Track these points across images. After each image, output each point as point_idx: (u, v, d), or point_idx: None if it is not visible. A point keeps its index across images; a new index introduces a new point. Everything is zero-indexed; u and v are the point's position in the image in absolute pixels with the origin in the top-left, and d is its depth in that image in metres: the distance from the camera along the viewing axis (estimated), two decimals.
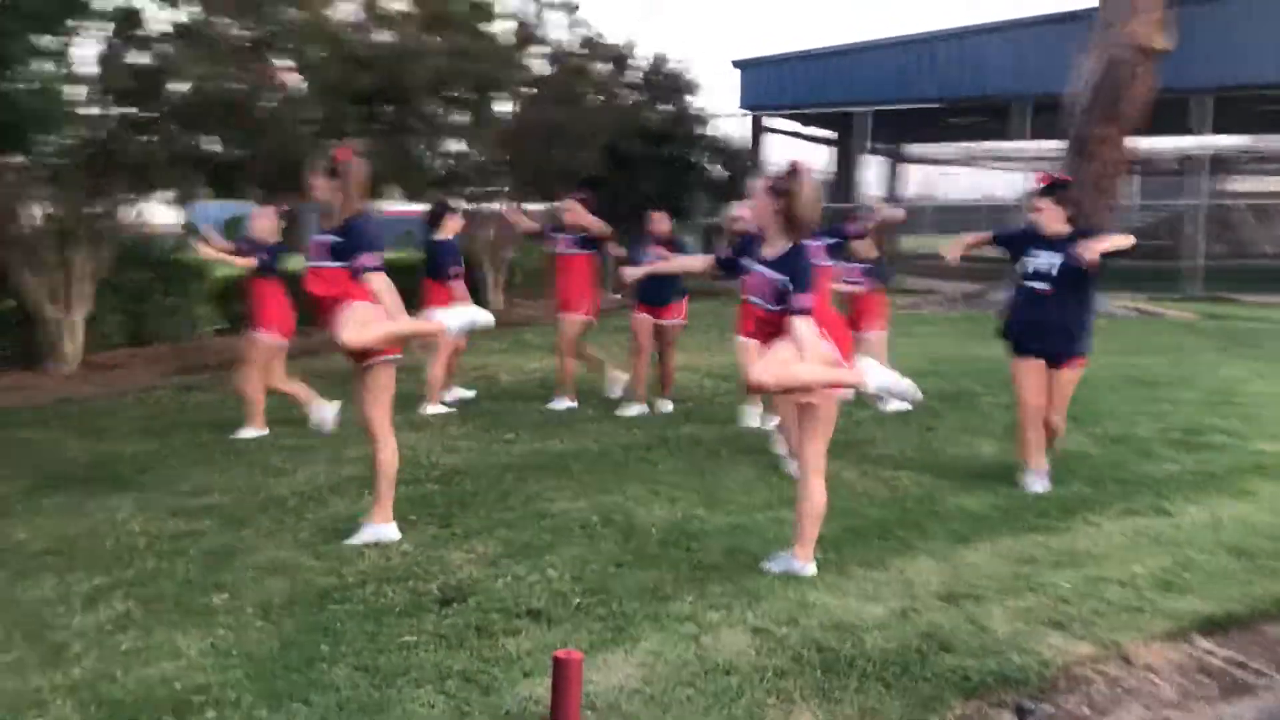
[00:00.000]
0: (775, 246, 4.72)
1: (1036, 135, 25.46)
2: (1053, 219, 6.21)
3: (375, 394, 5.17)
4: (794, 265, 4.62)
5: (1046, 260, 6.15)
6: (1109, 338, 13.93)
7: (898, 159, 34.71)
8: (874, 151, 32.10)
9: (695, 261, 6.13)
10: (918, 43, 24.44)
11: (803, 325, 4.55)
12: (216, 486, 6.34)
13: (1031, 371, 6.31)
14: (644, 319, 8.71)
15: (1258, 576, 4.76)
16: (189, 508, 5.89)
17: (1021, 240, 6.40)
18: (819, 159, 32.13)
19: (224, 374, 10.92)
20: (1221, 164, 31.44)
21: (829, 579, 4.69)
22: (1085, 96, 16.79)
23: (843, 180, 29.26)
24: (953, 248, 6.60)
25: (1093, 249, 5.86)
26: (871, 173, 34.89)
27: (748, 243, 4.98)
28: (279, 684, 3.65)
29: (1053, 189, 6.29)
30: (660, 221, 8.75)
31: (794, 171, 4.68)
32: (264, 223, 7.93)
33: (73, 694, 3.60)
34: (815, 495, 4.77)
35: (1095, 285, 6.19)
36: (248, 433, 7.80)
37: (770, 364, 4.55)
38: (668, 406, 8.75)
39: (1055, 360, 6.25)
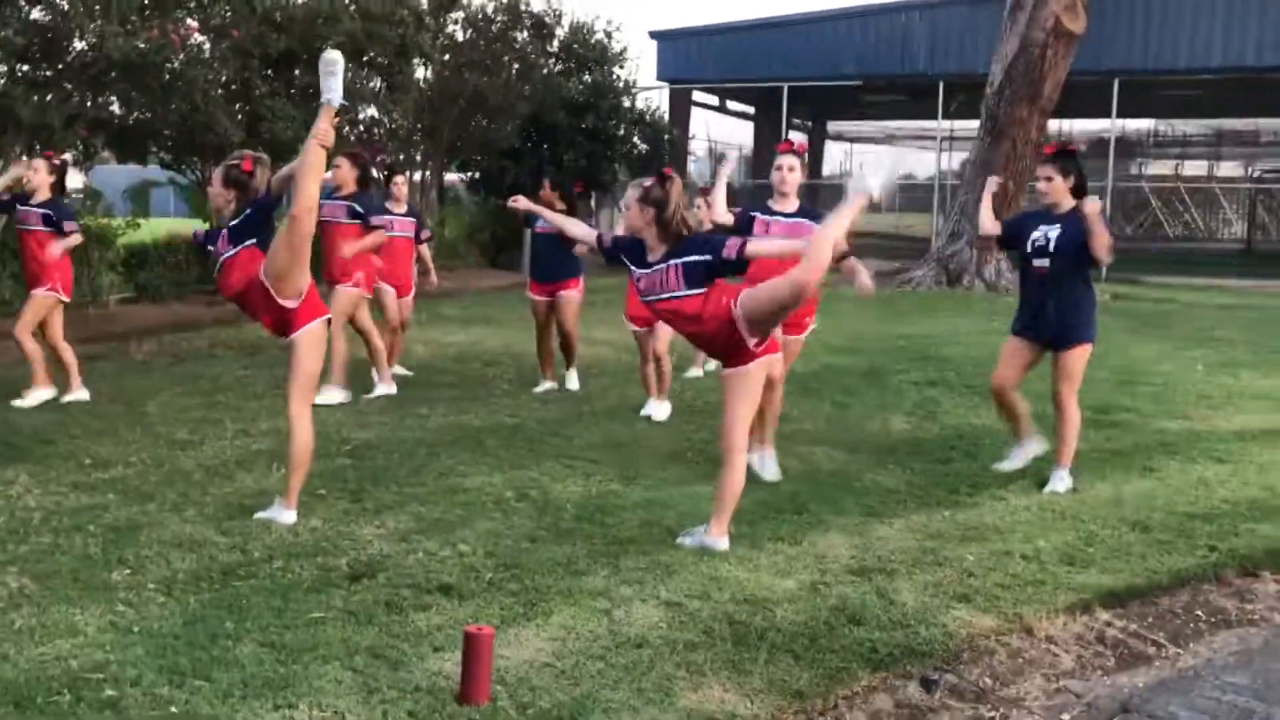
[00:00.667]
0: (657, 251, 4.75)
1: (956, 115, 25.87)
2: (1059, 191, 5.90)
3: (298, 370, 5.04)
4: (693, 242, 4.71)
5: (1044, 233, 5.89)
6: None
7: (818, 137, 34.91)
8: (794, 128, 32.31)
9: (578, 228, 5.59)
10: (839, 19, 24.59)
11: (758, 245, 4.80)
12: (120, 459, 6.16)
13: (1011, 350, 6.12)
14: (537, 298, 8.41)
15: (1156, 551, 4.90)
16: (90, 481, 5.72)
17: (1021, 225, 6.11)
18: (740, 135, 32.28)
19: (131, 343, 10.64)
20: (1128, 147, 32.25)
21: (741, 553, 4.72)
22: (1000, 77, 17.06)
23: (763, 157, 29.42)
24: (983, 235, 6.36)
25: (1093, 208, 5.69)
26: None
27: (632, 244, 4.92)
28: (181, 661, 3.56)
29: (1058, 157, 6.00)
30: (549, 194, 8.25)
31: (665, 179, 4.76)
32: (40, 177, 7.58)
33: None
34: (739, 472, 4.80)
35: (1090, 266, 5.91)
36: (35, 396, 7.58)
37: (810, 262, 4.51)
38: (573, 382, 8.55)
39: (1055, 345, 5.96)
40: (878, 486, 5.90)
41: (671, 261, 4.68)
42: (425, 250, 9.33)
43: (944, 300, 16.19)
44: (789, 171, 6.05)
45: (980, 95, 18.02)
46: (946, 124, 25.35)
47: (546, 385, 8.46)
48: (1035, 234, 5.94)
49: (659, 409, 7.57)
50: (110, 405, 7.67)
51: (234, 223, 5.03)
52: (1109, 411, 7.84)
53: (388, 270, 8.69)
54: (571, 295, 8.36)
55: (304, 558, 4.56)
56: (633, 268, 4.85)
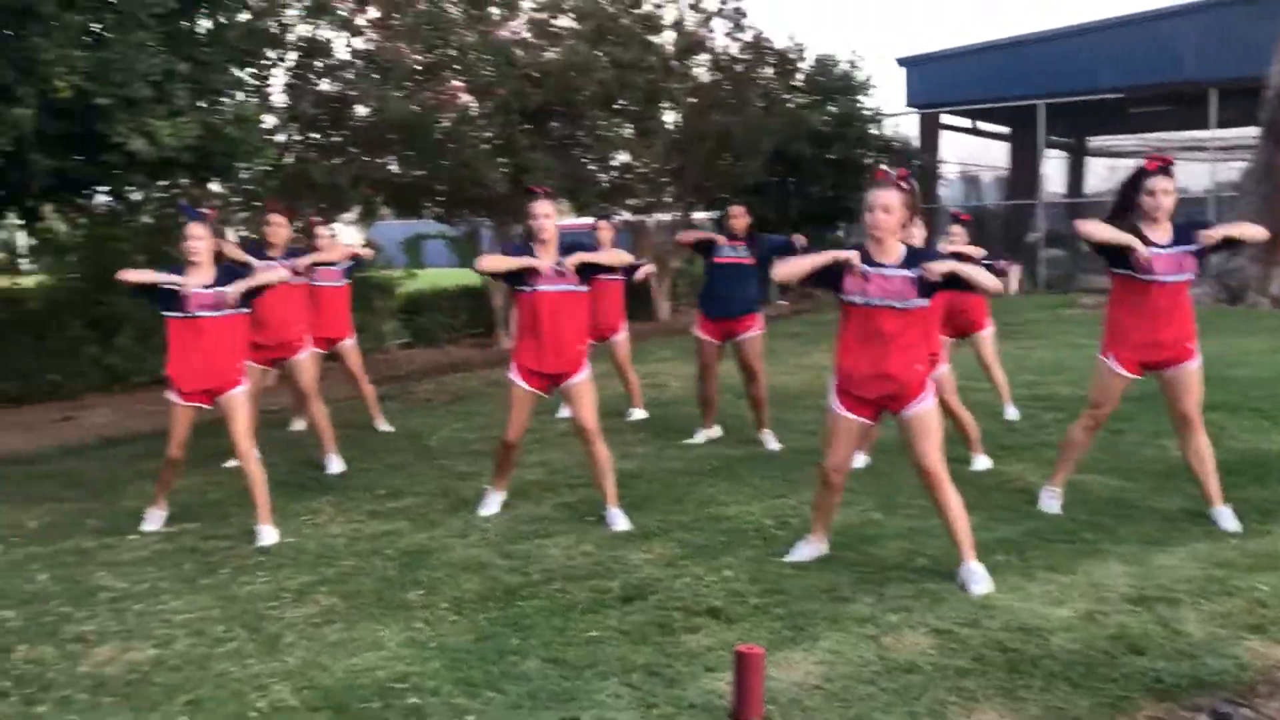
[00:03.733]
0: (894, 253, 4.71)
1: (1229, 123, 24.23)
2: None
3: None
4: (924, 255, 4.76)
5: None
6: None
7: (1079, 153, 33.44)
8: (1052, 145, 31.07)
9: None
10: (1096, 30, 23.58)
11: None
12: (409, 490, 6.67)
13: None
14: (709, 338, 7.79)
15: None
16: (385, 510, 6.23)
17: None
18: (994, 155, 31.33)
19: (413, 384, 11.44)
20: None
21: (1012, 581, 4.63)
22: None
23: (1020, 177, 28.43)
24: None
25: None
26: (1052, 167, 33.82)
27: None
28: (474, 674, 3.85)
29: None
30: (739, 217, 7.81)
31: (907, 177, 4.77)
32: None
33: (288, 679, 3.88)
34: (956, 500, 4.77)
35: None
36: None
37: None
38: (772, 444, 7.70)
39: None
40: (1156, 514, 5.63)
41: (905, 272, 4.67)
42: None
43: (1225, 319, 15.12)
44: None
45: (1257, 101, 16.82)
46: (1223, 133, 23.75)
47: (706, 434, 7.99)
48: None
49: (981, 460, 6.89)
50: (398, 440, 8.29)
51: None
52: None
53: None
54: (753, 337, 7.72)
55: (579, 580, 4.81)
56: (867, 271, 4.72)
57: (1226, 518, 5.41)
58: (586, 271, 5.79)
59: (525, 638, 4.17)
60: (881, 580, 4.70)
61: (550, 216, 5.73)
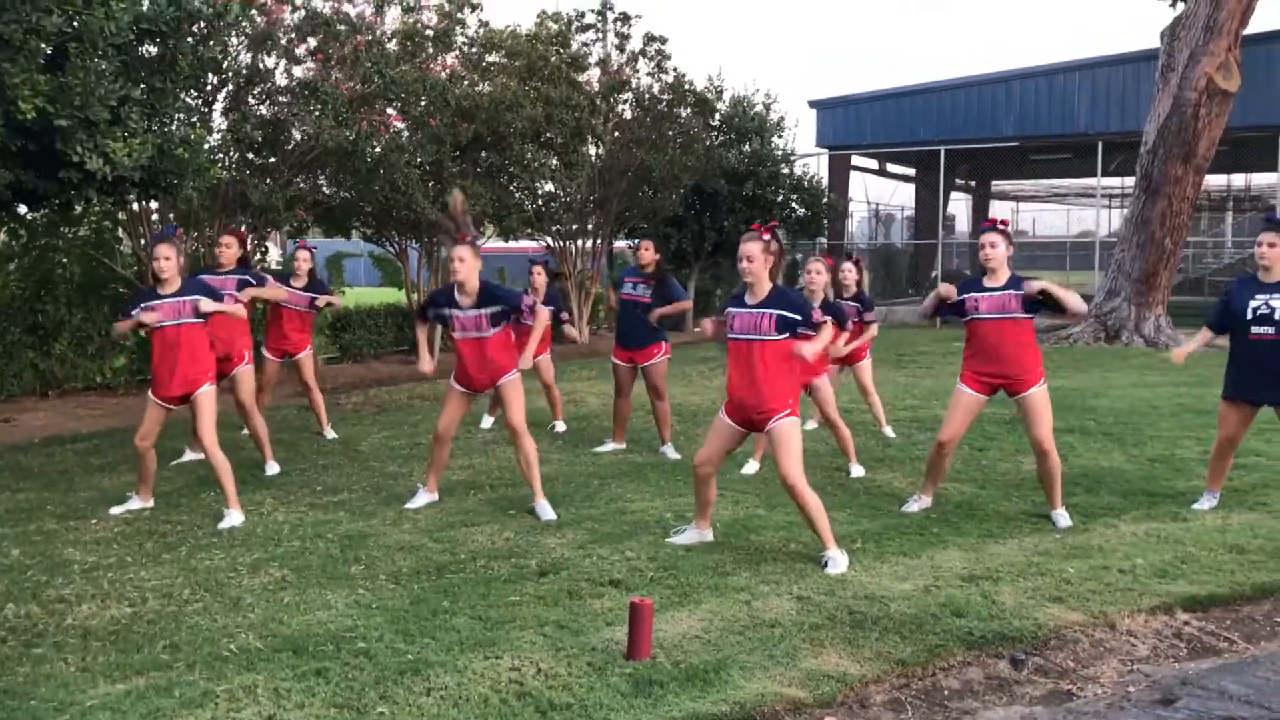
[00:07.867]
0: (758, 296, 5.54)
1: (1117, 172, 25.89)
2: (1278, 259, 6.24)
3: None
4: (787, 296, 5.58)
5: (1264, 301, 6.24)
6: (1180, 370, 14.39)
7: (982, 196, 35.15)
8: (956, 188, 32.66)
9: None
10: (997, 81, 25.07)
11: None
12: (345, 486, 7.36)
13: (1233, 412, 6.52)
14: (621, 364, 8.53)
15: (1247, 569, 5.42)
16: (323, 503, 6.91)
17: (1238, 296, 6.41)
18: (901, 196, 32.85)
19: (341, 396, 12.05)
20: None
21: (867, 563, 5.49)
22: (1154, 136, 17.29)
23: (924, 217, 29.89)
24: (1180, 353, 6.81)
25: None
26: (958, 208, 35.49)
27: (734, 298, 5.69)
28: (411, 627, 4.57)
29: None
30: (646, 251, 8.40)
31: (776, 230, 5.66)
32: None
33: (253, 630, 4.57)
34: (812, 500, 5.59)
35: None
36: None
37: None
38: (670, 453, 8.49)
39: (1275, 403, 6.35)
40: (999, 514, 6.55)
41: (768, 310, 5.51)
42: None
43: (1100, 356, 16.40)
44: (991, 248, 6.30)
45: (1137, 154, 18.25)
46: (1108, 181, 25.37)
47: (613, 446, 8.73)
48: (1254, 302, 6.30)
49: (856, 468, 7.78)
50: (331, 445, 8.94)
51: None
52: (1239, 455, 8.18)
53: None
54: (659, 364, 8.44)
55: (502, 559, 5.56)
56: (731, 310, 5.58)
57: (1063, 518, 6.34)
58: (500, 319, 6.52)
59: (455, 601, 4.91)
60: (759, 561, 5.53)
61: (465, 261, 6.34)
